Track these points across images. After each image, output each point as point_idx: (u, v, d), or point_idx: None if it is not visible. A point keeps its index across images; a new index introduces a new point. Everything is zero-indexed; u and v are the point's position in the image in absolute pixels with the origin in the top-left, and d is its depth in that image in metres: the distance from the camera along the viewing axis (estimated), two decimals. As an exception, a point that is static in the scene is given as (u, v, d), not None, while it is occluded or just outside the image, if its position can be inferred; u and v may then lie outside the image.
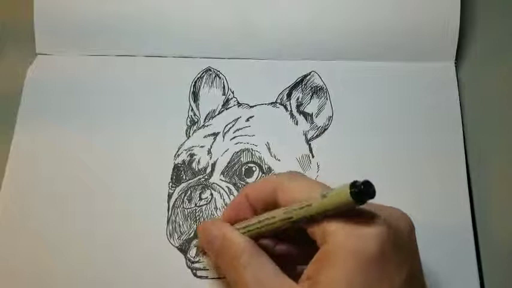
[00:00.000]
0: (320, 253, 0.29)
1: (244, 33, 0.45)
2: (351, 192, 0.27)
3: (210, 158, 0.42)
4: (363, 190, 0.27)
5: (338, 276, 0.27)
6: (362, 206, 0.28)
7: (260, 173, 0.41)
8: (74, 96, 0.44)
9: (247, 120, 0.43)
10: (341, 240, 0.28)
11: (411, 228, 0.30)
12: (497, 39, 0.46)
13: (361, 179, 0.27)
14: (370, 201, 0.28)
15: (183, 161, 0.42)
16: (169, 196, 0.41)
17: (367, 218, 0.28)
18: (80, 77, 0.45)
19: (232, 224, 0.34)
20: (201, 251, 0.38)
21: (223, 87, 0.45)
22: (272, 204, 0.32)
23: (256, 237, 0.33)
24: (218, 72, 0.45)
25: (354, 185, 0.27)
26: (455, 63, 0.45)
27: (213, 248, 0.34)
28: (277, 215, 0.31)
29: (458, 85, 0.44)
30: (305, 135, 0.43)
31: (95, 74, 0.45)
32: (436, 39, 0.44)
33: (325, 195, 0.29)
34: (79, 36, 0.46)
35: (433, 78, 0.44)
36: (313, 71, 0.45)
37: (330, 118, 0.43)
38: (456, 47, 0.44)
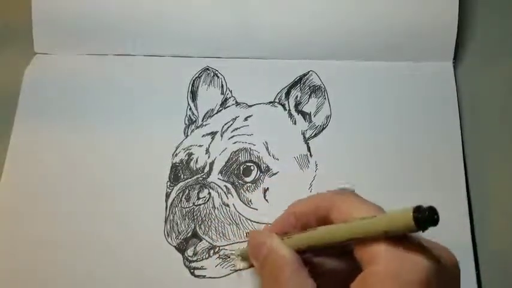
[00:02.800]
0: (365, 273, 0.28)
1: (243, 33, 0.45)
2: (414, 217, 0.26)
3: (208, 157, 0.42)
4: (427, 216, 0.25)
5: None
6: (414, 235, 0.27)
7: (258, 172, 0.41)
8: (72, 95, 0.44)
9: (246, 119, 0.43)
10: (387, 267, 0.27)
11: (457, 269, 0.30)
12: (495, 39, 0.46)
13: (423, 205, 0.26)
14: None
15: (181, 160, 0.42)
16: (167, 195, 0.41)
17: (419, 247, 0.28)
18: (78, 76, 0.45)
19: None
20: (240, 258, 0.38)
21: (222, 86, 0.45)
22: (322, 222, 0.32)
23: (303, 251, 0.32)
24: (216, 72, 0.45)
25: (418, 209, 0.26)
26: (453, 63, 0.45)
27: (258, 257, 0.33)
28: (335, 230, 0.30)
29: (456, 85, 0.44)
30: (303, 134, 0.43)
31: (93, 73, 0.45)
32: (434, 39, 0.44)
33: (385, 216, 0.28)
34: (77, 35, 0.46)
35: (431, 78, 0.44)
36: (311, 71, 0.45)
37: (328, 117, 0.43)
38: (454, 47, 0.44)
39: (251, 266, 0.37)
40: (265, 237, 0.33)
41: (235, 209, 0.40)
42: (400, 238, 0.28)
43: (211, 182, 0.41)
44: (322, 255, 0.34)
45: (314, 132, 0.43)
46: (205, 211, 0.40)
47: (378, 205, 0.30)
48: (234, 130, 0.43)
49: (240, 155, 0.41)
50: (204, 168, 0.41)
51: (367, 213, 0.29)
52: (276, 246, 0.32)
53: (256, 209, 0.40)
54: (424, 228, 0.26)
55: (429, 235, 0.37)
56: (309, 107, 0.44)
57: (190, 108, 0.44)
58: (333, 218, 0.31)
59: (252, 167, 0.41)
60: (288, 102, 0.44)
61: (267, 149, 0.42)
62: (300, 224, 0.33)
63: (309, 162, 0.42)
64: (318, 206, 0.32)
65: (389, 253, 0.27)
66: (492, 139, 0.42)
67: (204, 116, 0.44)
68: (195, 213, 0.40)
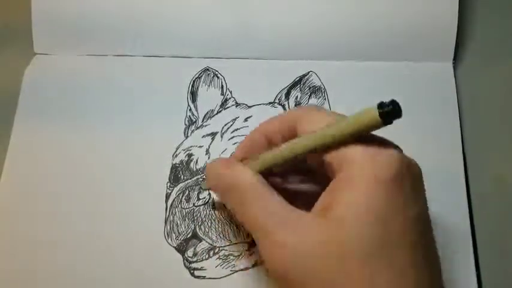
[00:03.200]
0: (336, 181, 0.28)
1: (243, 33, 0.45)
2: (379, 112, 0.27)
3: (208, 158, 0.41)
4: (391, 110, 0.27)
5: (358, 200, 0.27)
6: (375, 134, 0.28)
7: (258, 173, 0.41)
8: (72, 95, 0.44)
9: (246, 120, 0.43)
10: (360, 167, 0.27)
11: (421, 172, 0.30)
12: (495, 39, 0.46)
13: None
14: None
15: (181, 161, 0.42)
16: (167, 196, 0.41)
17: (384, 145, 0.28)
18: (78, 76, 0.45)
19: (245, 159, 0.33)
20: (205, 189, 0.39)
21: (222, 87, 0.45)
22: (292, 138, 0.31)
23: (268, 173, 0.32)
24: (216, 72, 0.45)
25: (381, 105, 0.27)
26: (453, 63, 0.45)
27: (220, 187, 0.33)
28: (298, 141, 0.30)
29: (456, 85, 0.44)
30: (303, 135, 0.43)
31: (92, 73, 0.45)
32: (434, 39, 0.44)
33: (350, 118, 0.28)
34: (77, 35, 0.46)
35: (431, 79, 0.44)
36: (311, 71, 0.45)
37: (328, 118, 0.43)
38: (454, 47, 0.44)
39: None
40: (225, 166, 0.32)
41: (235, 209, 0.40)
42: (366, 139, 0.28)
43: (211, 183, 0.41)
44: (291, 179, 0.34)
45: (314, 133, 0.43)
46: (205, 212, 0.40)
47: (344, 114, 0.30)
48: (234, 131, 0.42)
49: (240, 155, 0.41)
50: (204, 169, 0.41)
51: (332, 121, 0.29)
52: (236, 173, 0.31)
53: (256, 210, 0.40)
54: (389, 122, 0.27)
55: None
56: (309, 107, 0.44)
57: (190, 109, 0.44)
58: (299, 132, 0.30)
59: (251, 168, 0.41)
60: (288, 102, 0.44)
61: (267, 149, 0.42)
62: (270, 144, 0.33)
63: (309, 162, 0.42)
64: (285, 123, 0.32)
65: (360, 154, 0.28)
66: (492, 139, 0.42)
67: (204, 116, 0.44)
68: (195, 214, 0.40)
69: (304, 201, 0.30)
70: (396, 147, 0.29)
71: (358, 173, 0.27)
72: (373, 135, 0.29)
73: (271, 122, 0.33)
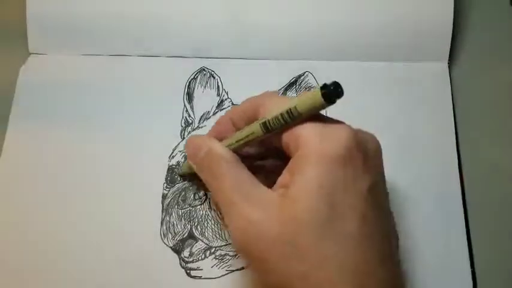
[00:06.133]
0: (293, 160, 0.30)
1: (239, 34, 0.45)
2: (322, 93, 0.28)
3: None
4: (332, 91, 0.28)
5: (310, 177, 0.28)
6: (331, 116, 0.31)
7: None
8: (67, 96, 0.44)
9: (242, 121, 0.43)
10: (312, 145, 0.29)
11: (378, 146, 0.32)
12: (490, 40, 0.46)
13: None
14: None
15: (178, 162, 0.42)
16: (164, 197, 0.41)
17: (335, 124, 0.30)
18: (73, 76, 0.45)
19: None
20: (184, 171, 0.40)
21: (218, 87, 0.45)
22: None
23: (237, 153, 0.34)
24: (212, 73, 0.45)
25: (324, 86, 0.29)
26: (448, 63, 0.45)
27: (197, 158, 0.35)
28: (255, 124, 0.32)
29: (451, 86, 0.44)
30: (299, 136, 0.43)
31: (87, 73, 0.45)
32: (429, 40, 0.44)
33: (296, 99, 0.30)
34: (72, 35, 0.46)
35: (426, 79, 0.44)
36: (307, 72, 0.45)
37: (324, 119, 0.43)
38: (449, 47, 0.45)
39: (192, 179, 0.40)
40: (203, 140, 0.35)
41: (232, 210, 0.40)
42: (318, 120, 0.30)
43: (207, 184, 0.41)
44: (265, 162, 0.36)
45: (310, 134, 0.43)
46: (201, 212, 0.40)
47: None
48: (230, 132, 0.43)
49: (236, 156, 0.41)
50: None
51: (287, 104, 0.30)
52: (213, 146, 0.34)
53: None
54: (331, 102, 0.29)
55: (426, 241, 0.38)
56: (305, 108, 0.44)
57: (186, 110, 0.44)
58: (260, 115, 0.32)
59: (247, 169, 0.41)
60: (284, 103, 0.44)
61: (263, 150, 0.42)
62: (237, 129, 0.35)
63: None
64: (249, 109, 0.34)
65: (310, 133, 0.30)
66: (486, 139, 0.43)
67: (201, 118, 0.44)
68: (191, 214, 0.40)
69: (270, 179, 0.32)
70: (347, 126, 0.31)
71: (309, 151, 0.29)
72: (326, 116, 0.31)
73: (236, 108, 0.36)
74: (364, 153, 0.30)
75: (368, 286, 0.28)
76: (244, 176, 0.32)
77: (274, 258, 0.29)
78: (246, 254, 0.30)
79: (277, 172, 0.31)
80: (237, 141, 0.33)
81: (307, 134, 0.30)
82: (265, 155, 0.36)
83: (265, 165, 0.37)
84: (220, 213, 0.40)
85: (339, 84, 0.29)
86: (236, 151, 0.33)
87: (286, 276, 0.28)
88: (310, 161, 0.29)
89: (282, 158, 0.32)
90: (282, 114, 0.30)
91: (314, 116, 0.30)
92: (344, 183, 0.28)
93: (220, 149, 0.33)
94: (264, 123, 0.31)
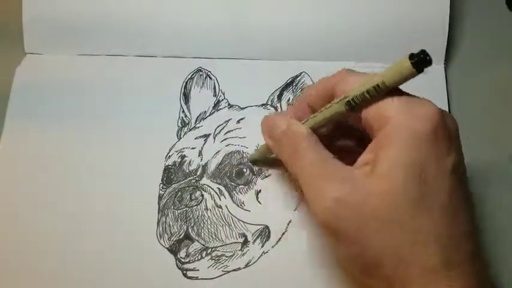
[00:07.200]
0: (378, 138, 0.30)
1: (236, 34, 0.45)
2: (412, 63, 0.28)
3: (201, 159, 0.42)
4: (421, 59, 0.28)
5: (398, 154, 0.28)
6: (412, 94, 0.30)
7: (251, 175, 0.41)
8: (63, 96, 0.44)
9: (238, 122, 0.43)
10: (400, 122, 0.29)
11: (457, 126, 0.31)
12: (486, 42, 0.46)
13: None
14: None
15: (174, 162, 0.42)
16: (160, 197, 0.41)
17: (420, 100, 0.30)
18: (69, 76, 0.45)
19: None
20: (252, 161, 0.41)
21: (214, 88, 0.45)
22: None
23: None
24: (209, 73, 0.45)
25: (412, 56, 0.28)
26: (444, 65, 0.45)
27: (275, 136, 0.34)
28: (337, 103, 0.31)
29: (447, 87, 0.44)
30: (296, 136, 0.43)
31: (84, 73, 0.45)
32: (425, 41, 0.44)
33: (384, 72, 0.29)
34: (68, 35, 0.45)
35: (422, 80, 0.44)
36: (303, 72, 0.45)
37: (321, 119, 0.43)
38: (445, 49, 0.45)
39: (263, 165, 0.41)
40: (281, 117, 0.35)
41: (228, 210, 0.40)
42: (400, 94, 0.30)
43: (203, 184, 0.41)
44: (339, 141, 0.36)
45: (306, 134, 0.43)
46: (197, 213, 0.40)
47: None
48: (226, 133, 0.43)
49: (232, 157, 0.41)
50: (197, 170, 0.41)
51: (367, 79, 0.30)
52: (292, 122, 0.33)
53: (249, 211, 0.40)
54: (421, 70, 0.28)
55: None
56: (302, 109, 0.44)
57: (183, 111, 0.44)
58: (337, 92, 0.32)
59: (244, 170, 0.41)
60: (281, 104, 0.44)
61: (260, 151, 0.42)
62: (312, 110, 0.34)
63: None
64: (324, 89, 0.33)
65: (397, 109, 0.29)
66: (481, 140, 0.43)
67: (197, 118, 0.44)
68: (187, 215, 0.40)
69: (349, 161, 0.31)
70: (432, 103, 0.30)
71: (397, 128, 0.29)
72: (406, 92, 0.30)
73: (311, 89, 0.35)
74: (449, 131, 0.30)
75: (456, 260, 0.28)
76: (325, 153, 0.31)
77: (369, 234, 0.29)
78: (335, 231, 0.30)
79: (349, 152, 0.31)
80: (316, 121, 0.33)
81: (394, 112, 0.29)
82: (335, 135, 0.36)
83: (336, 145, 0.36)
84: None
85: (427, 52, 0.28)
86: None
87: (379, 252, 0.29)
88: (400, 138, 0.28)
89: (353, 137, 0.32)
90: (368, 91, 0.29)
91: (395, 90, 0.30)
92: (433, 161, 0.29)
93: (300, 126, 0.33)
94: (348, 102, 0.30)
